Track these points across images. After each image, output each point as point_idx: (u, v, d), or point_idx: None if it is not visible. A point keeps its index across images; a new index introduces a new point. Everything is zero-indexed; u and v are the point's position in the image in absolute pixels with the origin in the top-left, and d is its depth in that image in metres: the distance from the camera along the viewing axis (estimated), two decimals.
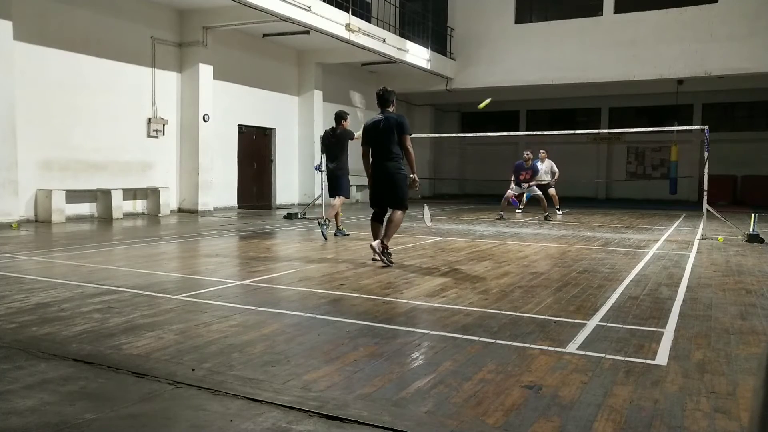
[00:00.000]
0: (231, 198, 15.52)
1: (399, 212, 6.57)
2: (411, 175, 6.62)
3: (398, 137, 6.51)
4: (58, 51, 11.31)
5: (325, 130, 9.41)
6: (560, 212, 14.24)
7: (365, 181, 7.86)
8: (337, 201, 8.97)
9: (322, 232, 8.66)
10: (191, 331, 3.79)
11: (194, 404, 2.61)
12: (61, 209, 11.04)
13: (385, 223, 6.65)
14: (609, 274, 6.18)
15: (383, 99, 6.70)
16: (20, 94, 10.43)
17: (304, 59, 17.52)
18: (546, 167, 14.31)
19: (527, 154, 13.74)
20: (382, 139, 6.55)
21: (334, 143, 9.08)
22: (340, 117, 9.09)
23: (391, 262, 6.48)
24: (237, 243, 8.85)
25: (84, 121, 11.82)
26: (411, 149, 6.52)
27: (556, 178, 14.37)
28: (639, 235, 10.13)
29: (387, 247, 6.51)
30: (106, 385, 2.83)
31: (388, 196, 6.63)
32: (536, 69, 18.60)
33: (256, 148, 16.44)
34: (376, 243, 6.45)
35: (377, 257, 6.47)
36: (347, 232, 9.29)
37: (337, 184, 9.05)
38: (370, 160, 6.70)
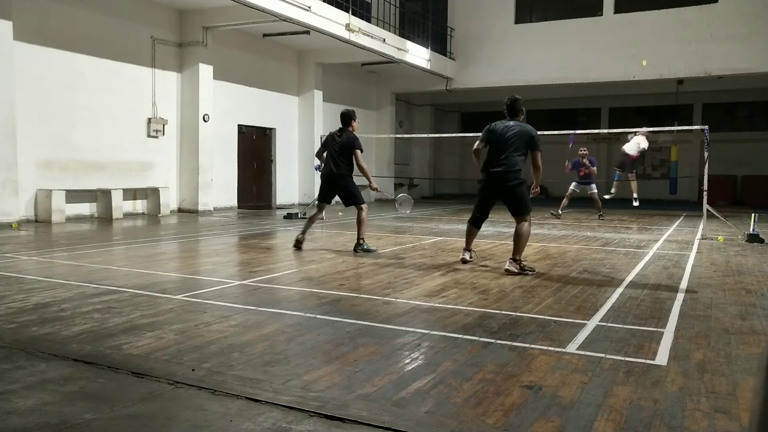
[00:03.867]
0: (231, 198, 15.52)
1: (525, 224, 6.20)
2: (537, 187, 6.45)
3: (527, 151, 6.23)
4: (58, 51, 11.31)
5: (331, 133, 7.85)
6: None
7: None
8: (365, 213, 7.62)
9: (368, 249, 7.52)
10: (191, 331, 3.79)
11: (194, 404, 2.61)
12: (61, 209, 11.04)
13: (513, 238, 6.27)
14: (609, 274, 6.18)
15: (514, 108, 6.40)
16: (20, 94, 10.43)
17: (304, 59, 17.52)
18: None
19: (583, 150, 13.68)
20: (508, 146, 6.19)
21: (337, 150, 7.60)
22: (349, 118, 7.67)
23: (532, 269, 6.17)
24: (237, 243, 8.85)
25: (84, 121, 11.82)
26: (540, 166, 6.27)
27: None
28: (639, 235, 10.13)
29: (520, 261, 6.12)
30: (106, 385, 2.83)
31: (510, 206, 6.34)
32: (536, 69, 18.60)
33: (256, 148, 16.43)
34: (510, 265, 6.06)
35: (513, 272, 6.01)
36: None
37: (347, 192, 7.66)
38: (482, 162, 6.42)
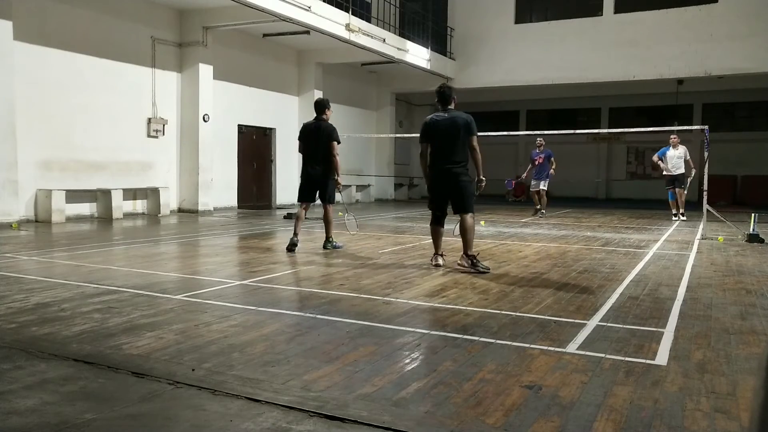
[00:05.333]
0: (231, 198, 15.52)
1: (469, 217, 6.25)
2: (480, 177, 6.37)
3: (466, 138, 6.20)
4: (58, 51, 11.31)
5: (305, 124, 7.83)
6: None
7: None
8: (331, 211, 7.79)
9: (335, 246, 7.75)
10: (191, 331, 3.79)
11: (194, 404, 2.61)
12: (61, 209, 11.04)
13: (458, 232, 6.37)
14: (609, 274, 6.18)
15: (445, 96, 6.35)
16: (20, 94, 10.42)
17: (304, 59, 17.52)
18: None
19: (540, 140, 13.82)
20: (447, 139, 6.21)
21: (317, 139, 7.57)
22: (324, 106, 7.71)
23: (487, 268, 6.15)
24: (237, 243, 8.85)
25: (84, 121, 11.82)
26: (478, 150, 6.25)
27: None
28: (639, 235, 10.13)
29: (473, 256, 6.16)
30: (106, 385, 2.83)
31: (455, 202, 6.33)
32: (536, 69, 18.61)
33: (256, 148, 16.43)
34: (462, 260, 6.17)
35: (464, 267, 6.14)
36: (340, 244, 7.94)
37: (326, 191, 7.63)
38: (428, 160, 6.38)
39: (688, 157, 13.17)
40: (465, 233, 6.23)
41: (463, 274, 6.05)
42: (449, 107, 6.36)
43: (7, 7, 9.96)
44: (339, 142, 7.63)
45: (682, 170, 13.10)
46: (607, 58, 17.90)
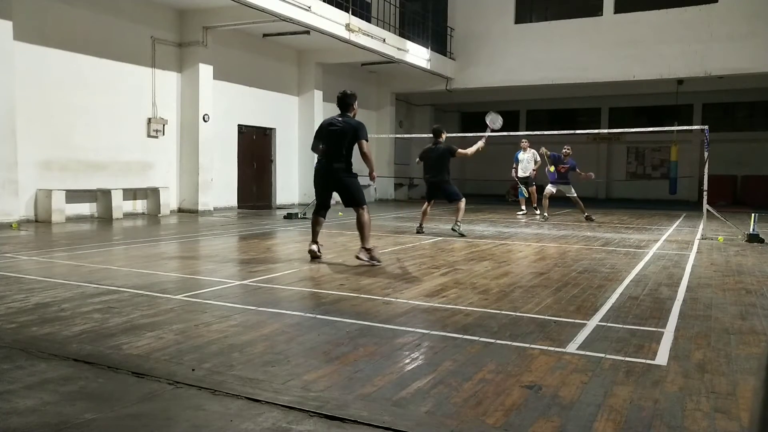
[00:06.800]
0: (231, 198, 15.51)
1: (363, 212, 6.59)
2: (372, 175, 6.82)
3: (353, 143, 6.58)
4: (58, 51, 11.31)
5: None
6: (538, 213, 13.93)
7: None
8: (463, 203, 9.76)
9: (460, 233, 9.53)
10: (191, 331, 3.79)
11: (194, 404, 2.61)
12: (61, 209, 11.03)
13: (357, 228, 6.68)
14: (609, 274, 6.18)
15: (342, 103, 6.76)
16: (20, 94, 10.42)
17: (304, 59, 17.52)
18: (528, 158, 14.19)
19: (566, 149, 13.23)
20: (335, 142, 6.60)
21: (435, 158, 9.63)
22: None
23: (379, 261, 6.56)
24: (237, 243, 8.85)
25: (84, 121, 11.82)
26: (369, 155, 6.65)
27: (536, 167, 14.19)
28: (639, 235, 10.13)
29: (370, 249, 6.58)
30: (106, 385, 2.83)
31: (344, 197, 6.74)
32: (536, 69, 18.60)
33: (256, 148, 16.43)
34: (362, 254, 6.49)
35: (363, 261, 6.49)
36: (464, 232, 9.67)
37: (451, 191, 9.81)
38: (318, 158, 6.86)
39: (538, 158, 14.04)
40: (361, 228, 6.57)
41: (463, 274, 6.06)
42: (347, 114, 6.74)
43: (7, 7, 9.96)
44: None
45: (528, 173, 14.24)
46: (607, 58, 17.89)
